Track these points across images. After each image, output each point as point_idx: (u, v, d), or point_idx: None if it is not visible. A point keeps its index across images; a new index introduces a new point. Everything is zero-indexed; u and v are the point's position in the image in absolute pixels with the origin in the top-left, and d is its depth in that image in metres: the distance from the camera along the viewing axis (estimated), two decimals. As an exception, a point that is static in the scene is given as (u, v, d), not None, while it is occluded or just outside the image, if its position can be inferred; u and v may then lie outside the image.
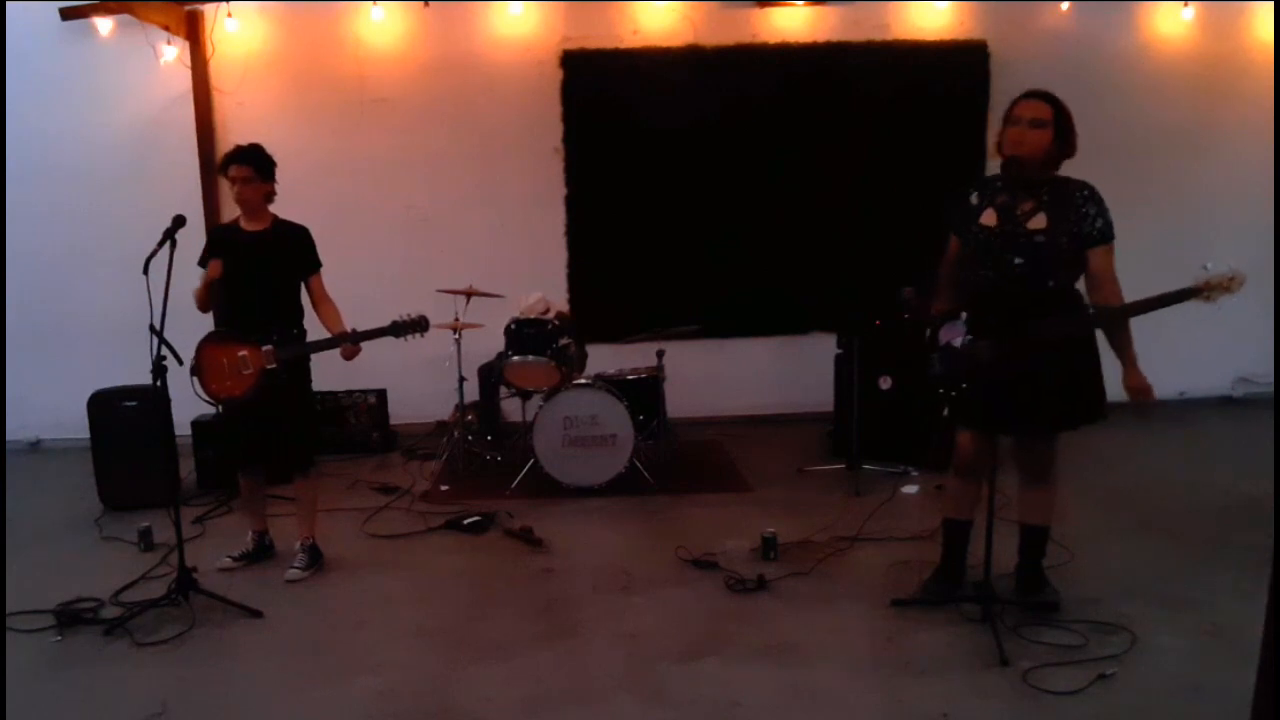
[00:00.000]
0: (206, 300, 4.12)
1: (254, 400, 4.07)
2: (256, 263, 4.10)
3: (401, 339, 4.11)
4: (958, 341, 3.41)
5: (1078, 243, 3.26)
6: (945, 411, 3.51)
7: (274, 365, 4.03)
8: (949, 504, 3.75)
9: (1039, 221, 3.29)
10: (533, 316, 5.46)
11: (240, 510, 4.54)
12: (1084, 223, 3.26)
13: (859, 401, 5.39)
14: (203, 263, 4.14)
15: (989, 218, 3.38)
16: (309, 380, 4.27)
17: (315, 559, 4.28)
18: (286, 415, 4.15)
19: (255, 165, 4.09)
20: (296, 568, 4.21)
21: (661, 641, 3.47)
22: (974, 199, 3.48)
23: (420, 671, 3.31)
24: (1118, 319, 3.26)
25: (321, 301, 4.25)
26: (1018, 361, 3.22)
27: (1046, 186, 3.32)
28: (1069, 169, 3.39)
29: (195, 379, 4.10)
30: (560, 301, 6.15)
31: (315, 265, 4.25)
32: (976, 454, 3.53)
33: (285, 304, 4.18)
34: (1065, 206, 3.28)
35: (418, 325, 4.13)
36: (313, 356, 4.20)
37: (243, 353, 4.05)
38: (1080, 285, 3.39)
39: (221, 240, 4.23)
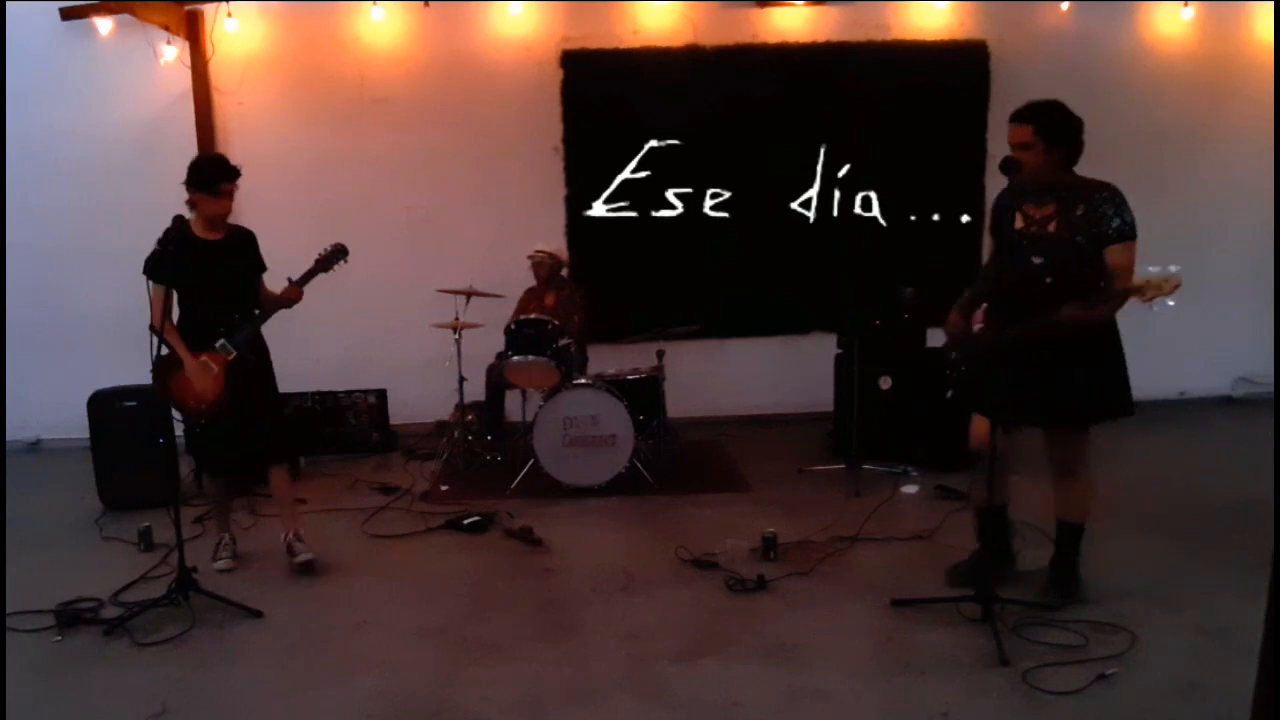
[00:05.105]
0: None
1: (232, 395, 4.07)
2: (224, 269, 4.10)
3: (330, 271, 4.23)
4: (976, 328, 3.66)
5: (1097, 241, 3.36)
6: (949, 394, 3.71)
7: (233, 354, 4.06)
8: (976, 496, 3.87)
9: (1056, 223, 3.44)
10: (533, 316, 5.48)
11: (215, 516, 4.53)
12: (1103, 222, 3.36)
13: (859, 401, 5.38)
14: (155, 276, 3.91)
15: (1018, 221, 3.55)
16: (273, 374, 4.32)
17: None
18: (262, 400, 4.22)
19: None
20: (307, 552, 4.26)
21: (661, 641, 3.47)
22: (1006, 204, 3.63)
23: (420, 671, 3.31)
24: (1080, 315, 3.36)
25: (265, 296, 4.28)
26: (1022, 351, 3.35)
27: (1066, 190, 3.44)
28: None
29: (171, 407, 4.10)
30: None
31: (264, 266, 4.31)
32: (994, 444, 3.62)
33: (247, 306, 4.19)
34: (1083, 208, 3.39)
35: (339, 253, 4.25)
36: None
37: (202, 358, 4.04)
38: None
39: (179, 250, 3.88)
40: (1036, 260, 3.42)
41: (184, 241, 3.96)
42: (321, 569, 4.28)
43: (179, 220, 3.76)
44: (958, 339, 3.66)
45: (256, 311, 4.19)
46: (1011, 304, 3.47)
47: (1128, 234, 3.35)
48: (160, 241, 3.75)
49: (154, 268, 3.89)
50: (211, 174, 4.02)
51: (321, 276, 4.26)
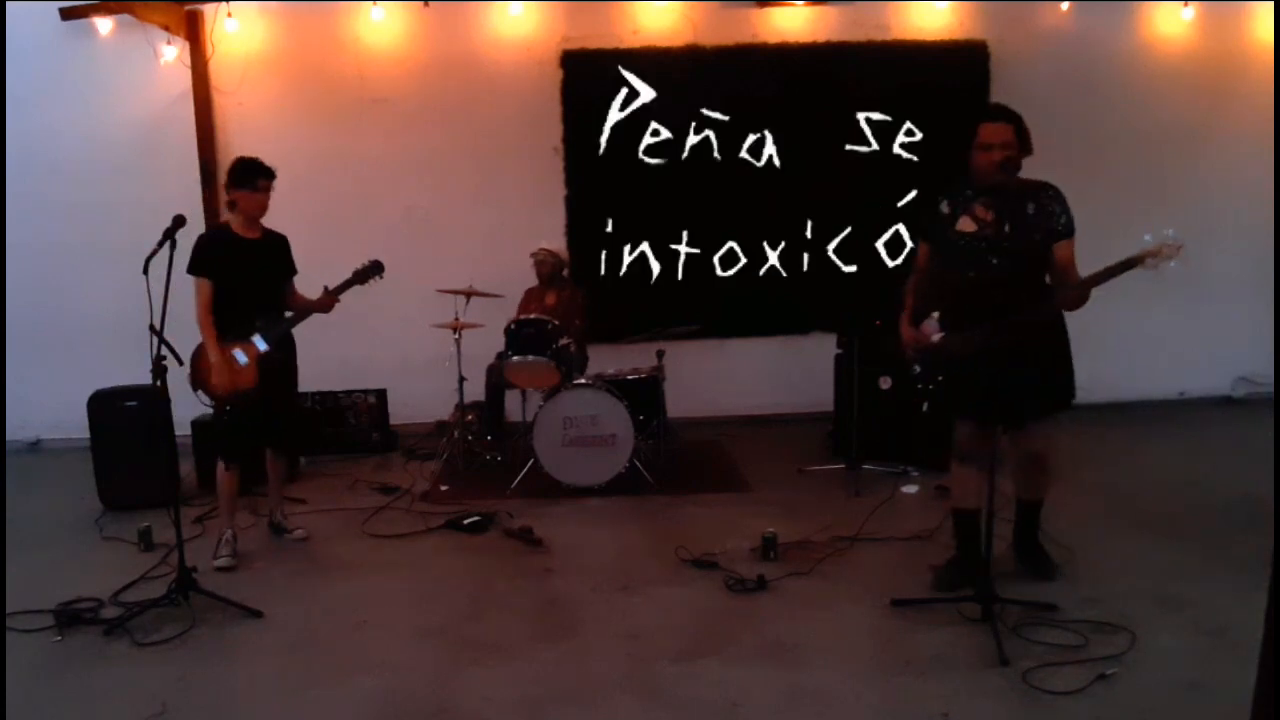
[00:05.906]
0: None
1: (261, 385, 4.29)
2: (261, 267, 4.36)
3: (365, 285, 4.51)
4: (935, 338, 3.63)
5: (1048, 237, 3.49)
6: (924, 407, 3.73)
7: (267, 349, 4.28)
8: (956, 495, 3.88)
9: (1010, 224, 3.50)
10: (533, 316, 5.48)
11: (222, 510, 4.51)
12: (1052, 220, 3.50)
13: (859, 401, 5.38)
14: (200, 271, 4.21)
15: (966, 224, 3.57)
16: (297, 374, 4.59)
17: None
18: (283, 397, 4.50)
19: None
20: (300, 528, 4.68)
21: (661, 641, 3.47)
22: (945, 208, 3.67)
23: (420, 671, 3.31)
24: (1078, 293, 3.41)
25: (295, 298, 4.54)
26: (999, 351, 3.34)
27: (1014, 190, 3.50)
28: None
29: (200, 391, 4.27)
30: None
31: (295, 270, 4.57)
32: (976, 443, 3.65)
33: (280, 304, 4.46)
34: (1034, 207, 3.51)
35: (375, 268, 4.54)
36: (305, 358, 4.44)
37: (235, 349, 4.26)
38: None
39: (221, 247, 4.32)
40: (994, 261, 3.49)
41: (225, 239, 4.34)
42: (321, 569, 4.29)
43: (179, 219, 3.77)
44: (920, 352, 3.69)
45: (289, 314, 4.41)
46: (970, 307, 3.48)
47: (1072, 229, 3.52)
48: (200, 244, 4.11)
49: (198, 264, 4.18)
50: (250, 171, 4.31)
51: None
